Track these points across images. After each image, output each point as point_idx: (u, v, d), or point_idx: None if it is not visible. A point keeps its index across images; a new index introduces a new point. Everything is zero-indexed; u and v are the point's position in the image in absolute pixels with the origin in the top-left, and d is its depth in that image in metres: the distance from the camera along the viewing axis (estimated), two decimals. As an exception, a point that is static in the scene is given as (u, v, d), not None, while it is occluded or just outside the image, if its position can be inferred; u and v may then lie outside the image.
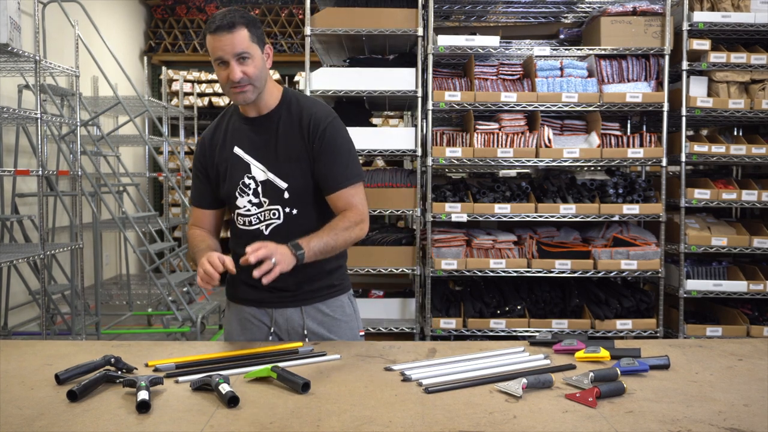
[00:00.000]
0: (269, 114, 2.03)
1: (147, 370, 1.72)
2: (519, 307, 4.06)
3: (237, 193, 2.02)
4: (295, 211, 2.00)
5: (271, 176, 1.99)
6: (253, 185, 2.00)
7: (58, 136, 5.02)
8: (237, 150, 2.02)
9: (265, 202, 2.00)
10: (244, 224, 2.03)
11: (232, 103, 2.09)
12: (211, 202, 2.11)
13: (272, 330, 2.06)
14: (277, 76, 8.40)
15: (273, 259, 1.76)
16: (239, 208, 2.02)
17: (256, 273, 1.76)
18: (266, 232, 2.00)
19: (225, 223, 2.27)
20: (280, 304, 2.05)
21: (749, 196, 4.14)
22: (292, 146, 1.99)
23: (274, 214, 2.00)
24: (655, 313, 4.12)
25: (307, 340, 2.05)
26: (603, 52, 4.15)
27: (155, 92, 8.59)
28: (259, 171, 2.00)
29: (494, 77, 4.17)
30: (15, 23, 3.81)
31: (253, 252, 1.77)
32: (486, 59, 4.47)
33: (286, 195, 1.99)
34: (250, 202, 2.01)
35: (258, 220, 2.01)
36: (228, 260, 1.83)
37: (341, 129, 2.04)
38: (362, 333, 2.17)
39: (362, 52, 4.76)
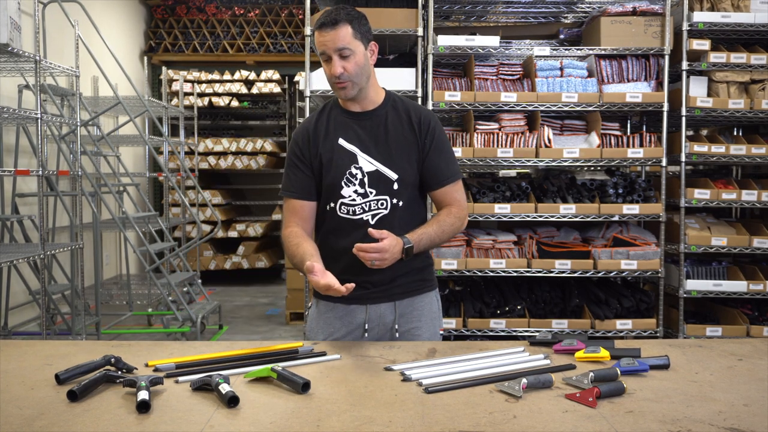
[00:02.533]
0: (375, 110, 2.09)
1: (147, 370, 1.72)
2: (519, 307, 4.06)
3: (343, 183, 2.04)
4: (401, 203, 2.05)
5: (381, 167, 2.03)
6: (359, 175, 2.04)
7: (58, 136, 5.02)
8: (342, 141, 2.06)
9: (371, 192, 2.04)
10: (347, 213, 2.05)
11: (332, 98, 2.18)
12: (311, 191, 2.10)
13: (366, 326, 2.08)
14: (277, 76, 8.40)
15: (376, 261, 1.87)
16: (344, 197, 2.04)
17: (360, 251, 1.87)
18: (372, 222, 2.03)
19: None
20: (375, 300, 2.08)
21: (749, 196, 4.14)
22: (403, 141, 2.05)
23: (381, 205, 2.04)
24: (655, 313, 4.12)
25: (397, 336, 2.08)
26: (603, 52, 4.15)
27: (155, 92, 8.59)
28: (366, 162, 2.04)
29: (494, 77, 4.18)
30: (15, 23, 3.80)
31: (373, 253, 1.86)
32: (486, 59, 4.47)
33: (396, 186, 2.03)
34: (355, 192, 2.04)
35: (362, 210, 2.04)
36: (334, 281, 1.85)
37: (443, 129, 2.13)
38: (442, 331, 2.22)
39: (362, 52, 4.76)
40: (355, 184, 2.03)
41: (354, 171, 2.03)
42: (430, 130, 2.06)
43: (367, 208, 2.03)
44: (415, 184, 2.08)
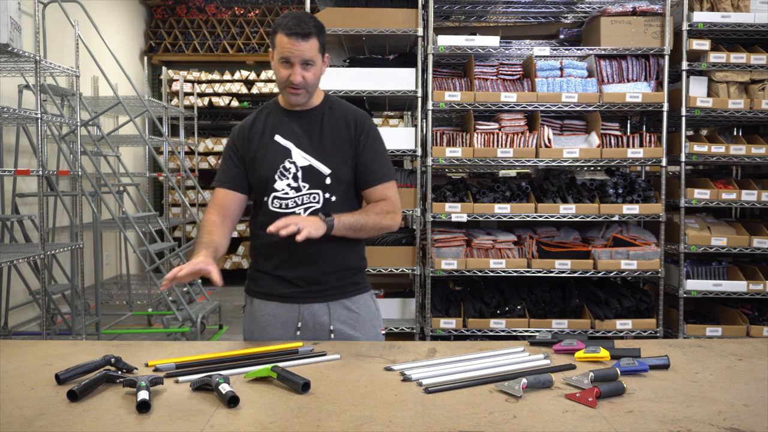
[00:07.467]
0: (313, 109, 2.12)
1: (147, 370, 1.72)
2: (519, 307, 4.06)
3: (276, 176, 2.06)
4: (334, 198, 2.06)
5: (314, 162, 2.06)
6: (293, 170, 2.06)
7: (59, 136, 5.02)
8: (277, 137, 2.09)
9: (304, 186, 2.05)
10: (280, 207, 2.07)
11: (270, 102, 2.19)
12: (241, 184, 2.14)
13: (299, 325, 2.07)
14: (277, 76, 8.38)
15: (298, 226, 1.86)
16: (277, 191, 2.07)
17: (271, 229, 1.86)
18: (304, 216, 2.04)
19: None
20: (308, 299, 2.08)
21: (749, 196, 4.15)
22: (338, 138, 2.08)
23: (314, 198, 2.05)
24: (655, 313, 4.12)
25: (332, 337, 2.06)
26: (603, 52, 4.15)
27: (155, 92, 8.59)
28: (300, 157, 2.06)
29: (494, 77, 4.18)
30: (15, 23, 3.80)
31: (283, 227, 1.85)
32: (486, 59, 4.47)
33: (328, 181, 2.05)
34: (288, 185, 2.06)
35: (295, 204, 2.06)
36: (214, 272, 1.85)
37: (378, 132, 2.17)
38: (384, 331, 2.22)
39: (362, 52, 4.76)
40: (288, 178, 2.06)
41: (288, 165, 2.06)
42: (365, 130, 2.10)
43: (299, 202, 2.05)
44: (349, 182, 2.09)
